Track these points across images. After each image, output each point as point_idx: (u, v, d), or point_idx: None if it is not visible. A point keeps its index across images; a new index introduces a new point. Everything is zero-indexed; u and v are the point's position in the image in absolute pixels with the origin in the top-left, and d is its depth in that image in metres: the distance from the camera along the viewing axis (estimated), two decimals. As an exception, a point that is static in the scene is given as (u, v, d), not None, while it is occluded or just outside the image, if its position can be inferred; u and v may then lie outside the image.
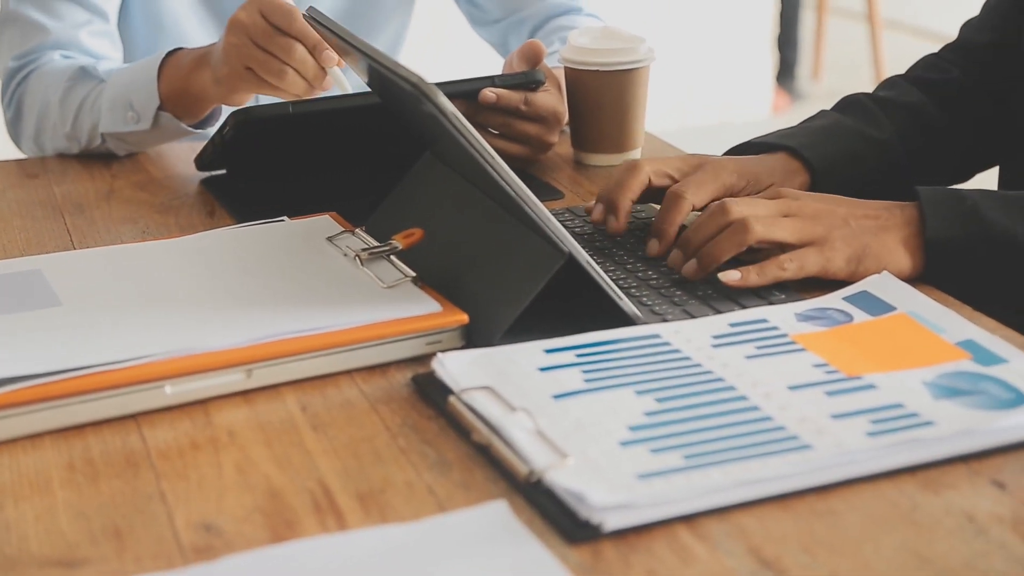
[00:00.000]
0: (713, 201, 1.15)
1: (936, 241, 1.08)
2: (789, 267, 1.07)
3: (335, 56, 1.33)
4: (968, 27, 1.41)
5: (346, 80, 1.36)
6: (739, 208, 1.09)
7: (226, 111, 1.49)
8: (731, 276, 1.07)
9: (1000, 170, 1.36)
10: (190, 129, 1.47)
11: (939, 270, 1.08)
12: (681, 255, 1.11)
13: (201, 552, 0.77)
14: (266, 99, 1.65)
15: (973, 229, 1.08)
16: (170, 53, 1.46)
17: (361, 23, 1.71)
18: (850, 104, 1.33)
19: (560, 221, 0.99)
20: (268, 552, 0.77)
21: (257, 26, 1.33)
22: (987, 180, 1.37)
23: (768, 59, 4.94)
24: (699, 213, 1.16)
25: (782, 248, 1.09)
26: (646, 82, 1.43)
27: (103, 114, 1.47)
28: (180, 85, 1.43)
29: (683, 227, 1.14)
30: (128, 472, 0.86)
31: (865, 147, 1.27)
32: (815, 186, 1.23)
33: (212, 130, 1.51)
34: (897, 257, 1.09)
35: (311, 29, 1.32)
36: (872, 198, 1.13)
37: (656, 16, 4.55)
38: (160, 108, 1.45)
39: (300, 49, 1.32)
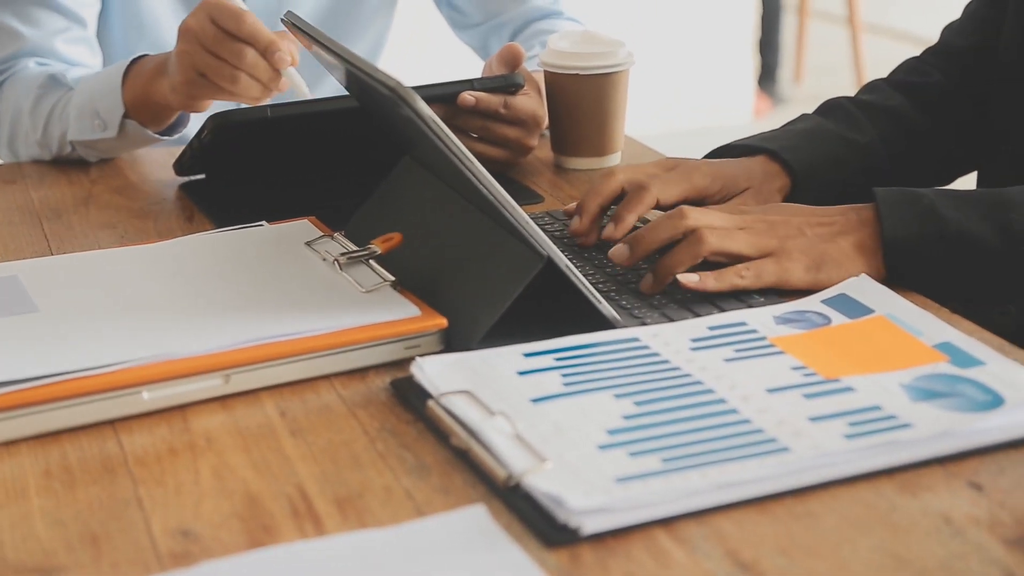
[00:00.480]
0: (682, 202, 1.15)
1: (894, 241, 1.08)
2: (746, 275, 1.08)
3: (288, 57, 1.31)
4: (949, 31, 1.41)
5: (302, 80, 1.35)
6: (696, 216, 1.09)
7: (197, 118, 1.49)
8: (689, 278, 1.07)
9: (979, 173, 1.37)
10: (157, 136, 1.47)
11: (898, 269, 1.09)
12: (627, 250, 1.11)
13: (178, 558, 0.77)
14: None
15: (929, 227, 1.09)
16: (134, 60, 1.45)
17: (342, 27, 1.71)
18: (832, 108, 1.33)
19: (539, 225, 0.99)
20: (246, 558, 0.76)
21: (207, 32, 1.31)
22: (968, 183, 1.37)
23: (750, 63, 4.95)
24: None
25: (738, 260, 1.09)
26: (626, 86, 1.43)
27: (71, 122, 1.47)
28: (142, 93, 1.43)
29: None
30: (105, 478, 0.85)
31: (847, 151, 1.28)
32: (796, 189, 1.23)
33: (180, 136, 1.51)
34: (856, 260, 1.09)
35: (262, 30, 1.31)
36: (853, 202, 1.13)
37: (638, 20, 4.56)
38: (126, 116, 1.44)
39: (251, 53, 1.30)
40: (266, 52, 1.31)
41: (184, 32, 1.33)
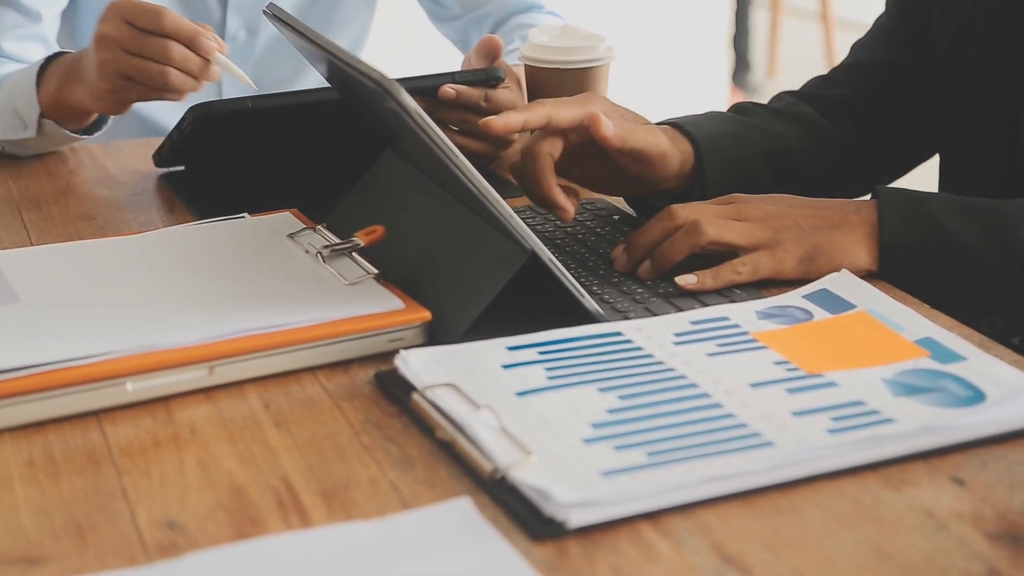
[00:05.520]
0: (582, 126, 1.13)
1: (891, 244, 1.09)
2: (743, 271, 1.08)
3: (215, 44, 1.30)
4: (858, 48, 1.42)
5: (235, 65, 1.33)
6: (687, 211, 1.10)
7: (174, 108, 1.48)
8: (688, 280, 1.08)
9: (940, 168, 1.37)
10: (76, 136, 1.45)
11: (892, 271, 1.10)
12: (626, 256, 1.12)
13: (164, 549, 0.76)
14: (228, 93, 1.65)
15: (928, 234, 1.09)
16: (50, 59, 1.43)
17: (324, 20, 1.71)
18: (740, 107, 1.34)
19: (522, 218, 0.99)
20: (232, 549, 0.76)
21: (125, 35, 1.29)
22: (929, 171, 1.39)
23: (723, 58, 4.96)
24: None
25: (733, 250, 1.10)
26: (606, 80, 1.43)
27: None
28: (55, 95, 1.41)
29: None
30: (90, 469, 0.85)
31: (753, 132, 1.27)
32: (700, 161, 1.21)
33: (97, 135, 1.49)
34: (851, 254, 1.10)
35: (184, 22, 1.29)
36: (778, 189, 1.14)
37: (612, 15, 4.56)
38: (43, 115, 1.42)
39: (176, 47, 1.29)
40: (192, 43, 1.29)
41: (101, 40, 1.31)
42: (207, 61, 1.31)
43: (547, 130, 1.14)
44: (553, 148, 1.14)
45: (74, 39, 1.67)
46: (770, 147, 1.27)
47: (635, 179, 1.19)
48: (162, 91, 1.32)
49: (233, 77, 1.33)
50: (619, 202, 1.30)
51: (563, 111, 1.14)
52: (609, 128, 1.12)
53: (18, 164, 1.47)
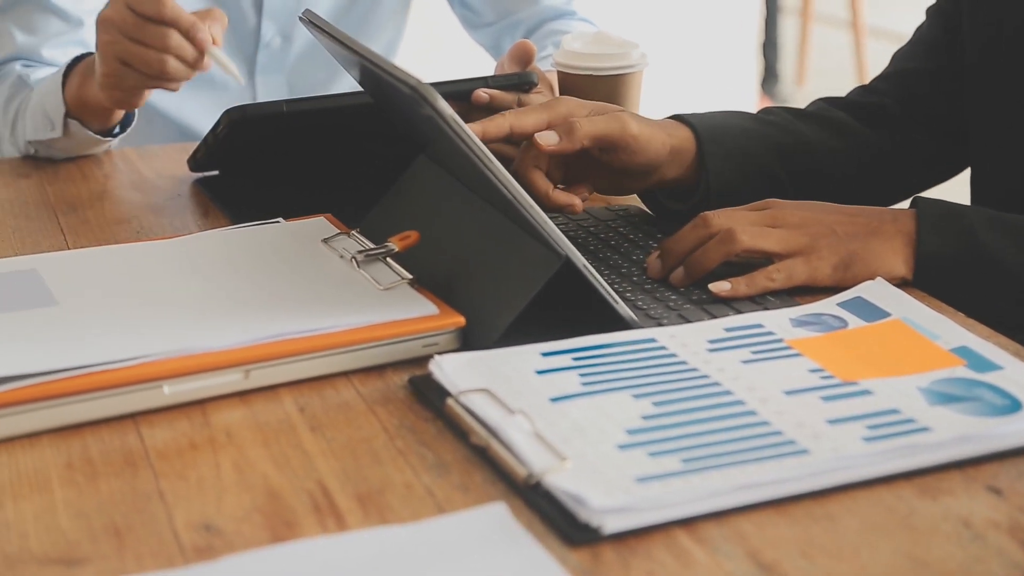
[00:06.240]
0: (547, 126, 1.14)
1: (929, 255, 1.09)
2: (777, 278, 1.08)
3: (209, 36, 1.32)
4: (899, 56, 1.41)
5: (228, 60, 1.35)
6: (721, 219, 1.10)
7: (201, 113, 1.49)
8: (721, 287, 1.08)
9: (972, 178, 1.36)
10: (98, 137, 1.47)
11: (928, 282, 1.09)
12: (660, 263, 1.12)
13: (201, 552, 0.77)
14: (263, 97, 1.65)
15: (966, 247, 1.09)
16: (77, 59, 1.45)
17: (358, 26, 1.72)
18: (763, 110, 1.33)
19: (555, 224, 0.99)
20: (268, 552, 0.77)
21: (127, 20, 1.31)
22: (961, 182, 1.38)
23: (753, 66, 4.95)
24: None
25: (768, 258, 1.10)
26: (639, 87, 1.43)
27: (27, 122, 1.48)
28: (77, 93, 1.43)
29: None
30: (127, 471, 0.86)
31: (764, 127, 1.26)
32: (701, 152, 1.21)
33: (121, 137, 1.51)
34: (887, 263, 1.09)
35: (183, 12, 1.31)
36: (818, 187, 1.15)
37: (643, 22, 4.56)
38: (68, 115, 1.44)
39: (175, 35, 1.31)
40: (189, 33, 1.31)
41: (103, 22, 1.33)
42: (202, 53, 1.32)
43: (513, 139, 1.15)
44: (537, 159, 1.15)
45: None
46: (785, 143, 1.26)
47: (624, 170, 1.18)
48: (158, 79, 1.34)
49: (226, 72, 1.35)
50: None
51: (524, 119, 1.15)
52: (550, 140, 1.12)
53: (54, 168, 1.48)
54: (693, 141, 1.21)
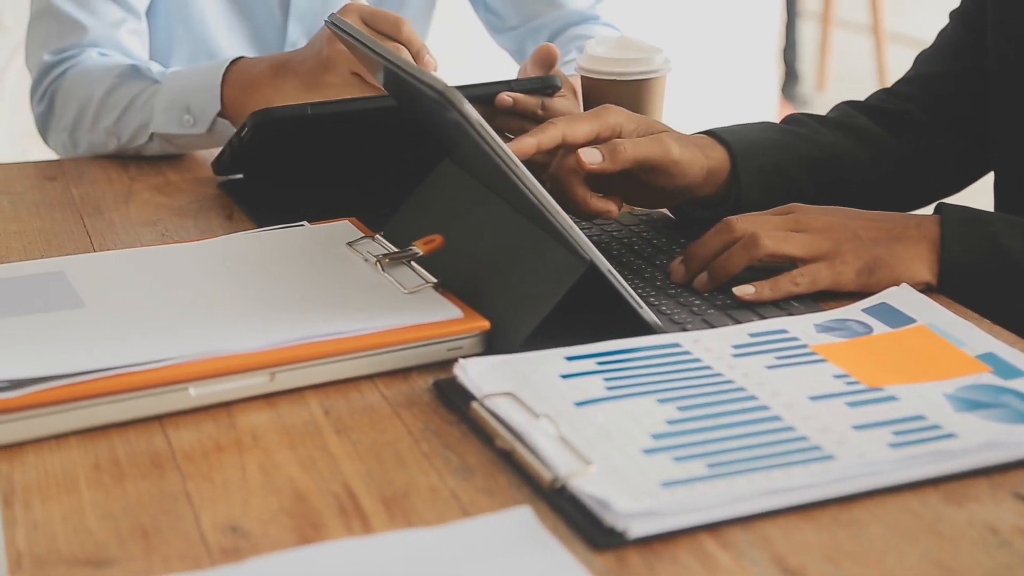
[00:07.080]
0: (598, 140, 1.15)
1: (953, 261, 1.09)
2: (801, 282, 1.08)
3: (435, 63, 1.37)
4: (923, 59, 1.41)
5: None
6: (745, 224, 1.10)
7: None
8: (745, 290, 1.08)
9: (995, 182, 1.36)
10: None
11: (952, 288, 1.09)
12: (683, 268, 1.12)
13: (228, 553, 0.77)
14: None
15: (990, 254, 1.09)
16: (234, 61, 1.47)
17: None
18: (789, 118, 1.33)
19: (580, 229, 1.00)
20: (295, 554, 0.77)
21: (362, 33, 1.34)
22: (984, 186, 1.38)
23: (773, 70, 4.95)
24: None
25: (792, 262, 1.10)
26: (662, 92, 1.43)
27: (156, 114, 1.48)
28: (246, 94, 1.44)
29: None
30: (154, 473, 0.86)
31: (795, 140, 1.27)
32: (735, 168, 1.21)
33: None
34: (911, 268, 1.09)
35: (416, 36, 1.37)
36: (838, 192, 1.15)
37: (665, 27, 4.56)
38: (220, 115, 1.46)
39: (405, 53, 1.35)
40: (417, 56, 1.37)
41: (339, 54, 1.38)
42: None
43: (566, 148, 1.14)
44: (578, 166, 1.15)
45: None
46: (813, 155, 1.27)
47: (660, 190, 1.19)
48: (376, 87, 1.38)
49: None
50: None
51: (576, 127, 1.14)
52: (594, 159, 1.12)
53: (79, 171, 1.49)
54: (728, 161, 1.21)
